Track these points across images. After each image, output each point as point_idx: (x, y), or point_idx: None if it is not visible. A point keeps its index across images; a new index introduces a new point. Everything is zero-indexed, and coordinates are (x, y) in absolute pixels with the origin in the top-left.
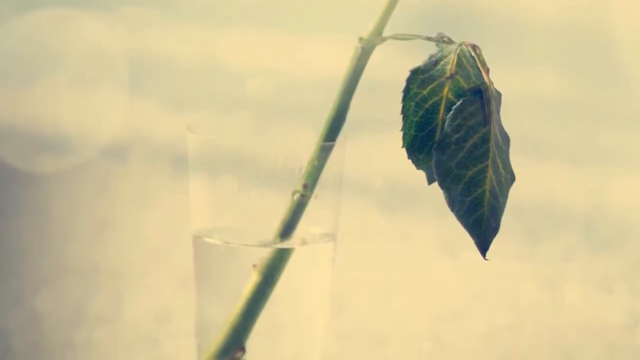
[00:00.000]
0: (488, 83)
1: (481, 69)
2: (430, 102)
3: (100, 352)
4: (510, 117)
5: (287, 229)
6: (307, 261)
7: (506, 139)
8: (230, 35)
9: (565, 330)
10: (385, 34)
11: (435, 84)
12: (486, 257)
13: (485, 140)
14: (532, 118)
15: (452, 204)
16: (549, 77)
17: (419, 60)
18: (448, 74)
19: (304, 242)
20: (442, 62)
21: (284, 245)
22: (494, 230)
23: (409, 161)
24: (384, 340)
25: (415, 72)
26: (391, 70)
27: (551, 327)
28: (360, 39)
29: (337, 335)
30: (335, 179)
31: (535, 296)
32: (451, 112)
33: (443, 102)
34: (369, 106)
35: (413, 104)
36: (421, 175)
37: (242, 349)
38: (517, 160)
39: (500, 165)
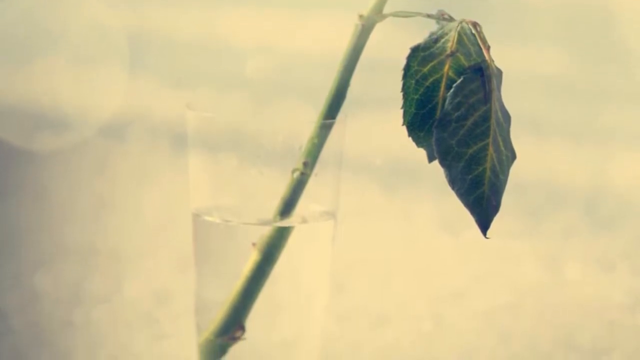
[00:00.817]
0: (489, 61)
1: (482, 46)
2: (431, 79)
3: (99, 332)
4: (511, 95)
5: (287, 207)
6: (307, 239)
7: (507, 116)
8: (230, 12)
9: (566, 309)
10: (385, 11)
11: (435, 61)
12: (487, 236)
13: (486, 118)
14: (533, 96)
15: (453, 182)
16: (550, 55)
17: (419, 38)
18: (449, 51)
19: (303, 221)
20: (442, 40)
21: (284, 223)
22: (495, 208)
23: (410, 139)
24: (384, 319)
25: (415, 50)
26: (391, 47)
27: (552, 306)
28: (361, 17)
29: (337, 315)
30: (335, 157)
31: (536, 275)
32: (452, 90)
33: (444, 80)
34: (369, 84)
35: (413, 81)
36: (421, 153)
37: (242, 328)
38: (518, 138)
39: (501, 143)
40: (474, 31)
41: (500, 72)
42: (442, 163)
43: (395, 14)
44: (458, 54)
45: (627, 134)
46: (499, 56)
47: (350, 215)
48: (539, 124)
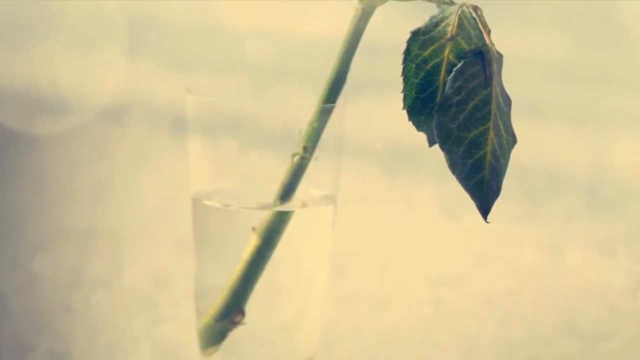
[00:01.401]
0: (489, 44)
1: (482, 30)
2: (431, 63)
3: (98, 316)
4: (512, 79)
5: (286, 192)
6: (307, 224)
7: (508, 101)
8: None
9: (566, 294)
10: None
11: (436, 45)
12: (487, 220)
13: (486, 102)
14: (534, 80)
15: (453, 166)
16: (551, 39)
17: (419, 22)
18: (449, 35)
19: (303, 205)
20: (443, 24)
21: (284, 208)
22: (496, 193)
23: (410, 123)
24: (384, 303)
25: (415, 34)
26: (391, 31)
27: (553, 290)
28: (361, 1)
29: (337, 299)
30: (335, 141)
31: (537, 260)
32: (452, 74)
33: (444, 64)
34: (369, 68)
35: (414, 65)
36: (422, 137)
37: (242, 313)
38: (518, 122)
39: (502, 128)
40: (474, 15)
41: (500, 56)
42: (442, 147)
43: None
44: (458, 38)
45: (629, 119)
46: (499, 40)
47: (350, 199)
48: (540, 108)
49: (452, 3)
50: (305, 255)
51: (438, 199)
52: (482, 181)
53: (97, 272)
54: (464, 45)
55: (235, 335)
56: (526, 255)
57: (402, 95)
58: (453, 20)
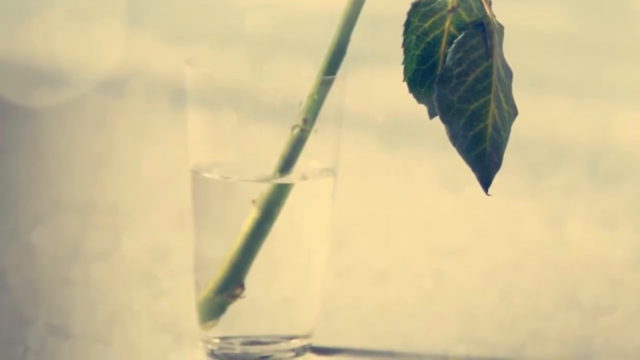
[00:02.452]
0: (490, 16)
1: (483, 1)
2: (432, 35)
3: (97, 289)
4: (513, 51)
5: (286, 164)
6: (307, 196)
7: (509, 72)
8: None
9: (568, 267)
10: None
11: (436, 17)
12: (488, 193)
13: (487, 74)
14: (535, 52)
15: (454, 138)
16: (553, 10)
17: None
18: (450, 6)
19: (303, 177)
20: None
21: (284, 180)
22: (496, 165)
23: (410, 95)
24: (384, 276)
25: (416, 5)
26: (392, 3)
27: (554, 263)
28: None
29: (337, 271)
30: (335, 113)
31: (538, 232)
32: (453, 46)
33: (445, 36)
34: (369, 40)
35: (414, 37)
36: (422, 109)
37: (241, 286)
38: (519, 94)
39: (503, 100)
40: None
41: (501, 28)
42: (443, 119)
43: None
44: (459, 10)
45: (631, 90)
46: (500, 11)
47: (351, 171)
48: (541, 80)
49: None
50: (305, 228)
51: (439, 171)
52: (483, 153)
53: (96, 245)
54: (465, 17)
55: (235, 308)
56: (527, 227)
57: (402, 67)
58: None
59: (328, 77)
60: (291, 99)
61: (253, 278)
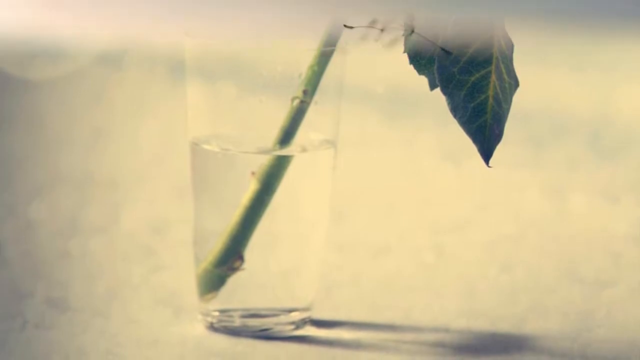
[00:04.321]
0: None
1: None
2: None
3: (96, 262)
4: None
5: (286, 136)
6: (307, 169)
7: (510, 44)
8: None
9: (569, 241)
10: None
11: None
12: (489, 165)
13: (488, 45)
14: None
15: (455, 110)
16: None
17: None
18: None
19: (303, 149)
20: None
21: (283, 152)
22: (498, 137)
23: (411, 67)
24: (385, 249)
25: None
26: None
27: (555, 237)
28: None
29: (337, 245)
30: (335, 85)
31: (540, 206)
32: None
33: None
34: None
35: None
36: (423, 81)
37: (241, 258)
38: (521, 66)
39: (504, 71)
40: None
41: None
42: (444, 91)
43: None
44: None
45: (634, 63)
46: None
47: (351, 144)
48: (543, 52)
49: None
50: (305, 201)
51: (439, 143)
52: (484, 125)
53: (94, 219)
54: None
55: (234, 281)
56: (529, 201)
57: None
58: None
59: (328, 49)
60: (291, 70)
61: (252, 250)
